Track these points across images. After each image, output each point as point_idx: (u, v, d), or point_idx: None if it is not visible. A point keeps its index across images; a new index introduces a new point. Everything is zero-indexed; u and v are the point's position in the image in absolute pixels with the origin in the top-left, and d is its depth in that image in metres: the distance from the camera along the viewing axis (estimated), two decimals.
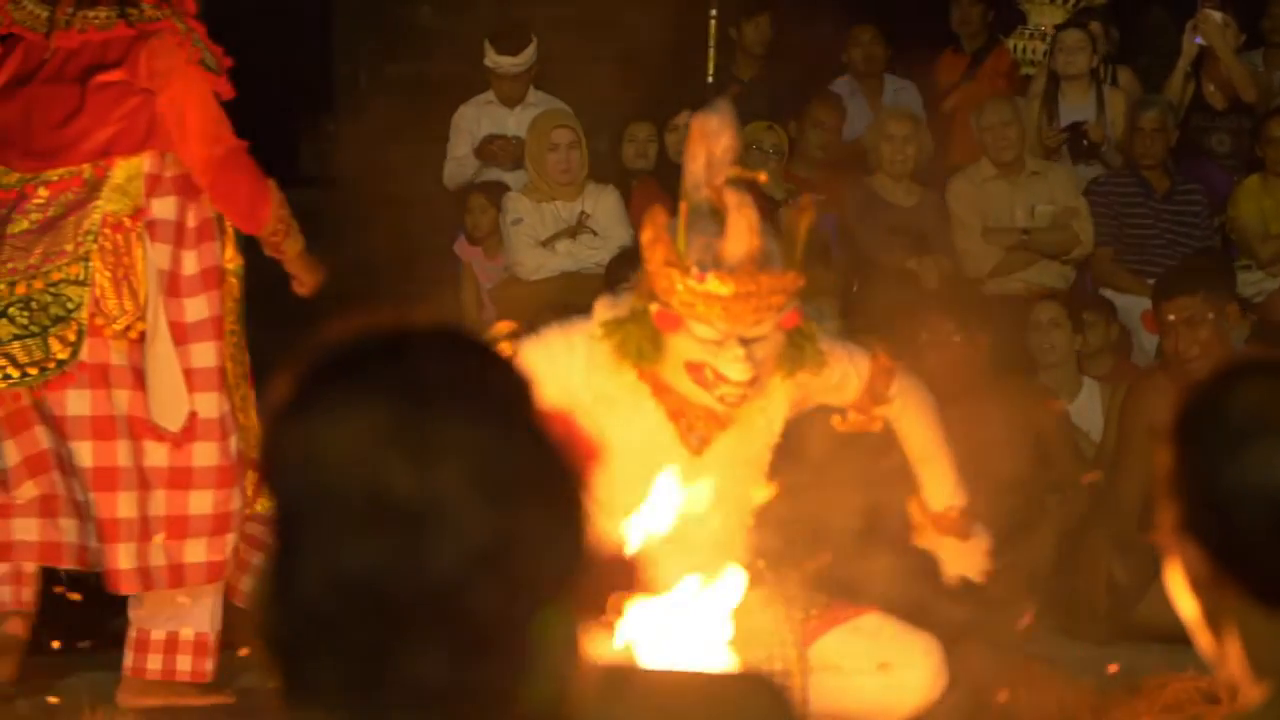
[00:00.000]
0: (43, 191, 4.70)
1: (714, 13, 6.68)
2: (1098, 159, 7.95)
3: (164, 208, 4.70)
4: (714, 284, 3.74)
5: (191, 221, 4.73)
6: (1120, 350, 7.18)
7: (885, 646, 4.04)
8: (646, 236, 3.84)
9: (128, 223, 4.66)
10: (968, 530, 4.30)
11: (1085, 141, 7.92)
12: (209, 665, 4.81)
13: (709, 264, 3.76)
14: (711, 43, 7.63)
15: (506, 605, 1.38)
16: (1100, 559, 5.78)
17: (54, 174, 4.69)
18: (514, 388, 1.46)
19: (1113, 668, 5.06)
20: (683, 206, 3.82)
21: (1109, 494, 5.90)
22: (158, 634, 4.79)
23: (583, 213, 7.43)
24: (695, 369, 3.82)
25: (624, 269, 5.55)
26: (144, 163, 4.68)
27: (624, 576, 1.46)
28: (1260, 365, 1.80)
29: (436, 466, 1.38)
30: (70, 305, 4.65)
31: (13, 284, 4.67)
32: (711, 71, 8.22)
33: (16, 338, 4.65)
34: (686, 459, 3.94)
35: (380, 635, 1.37)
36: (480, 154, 7.85)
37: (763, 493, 4.06)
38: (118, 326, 4.65)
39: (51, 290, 4.66)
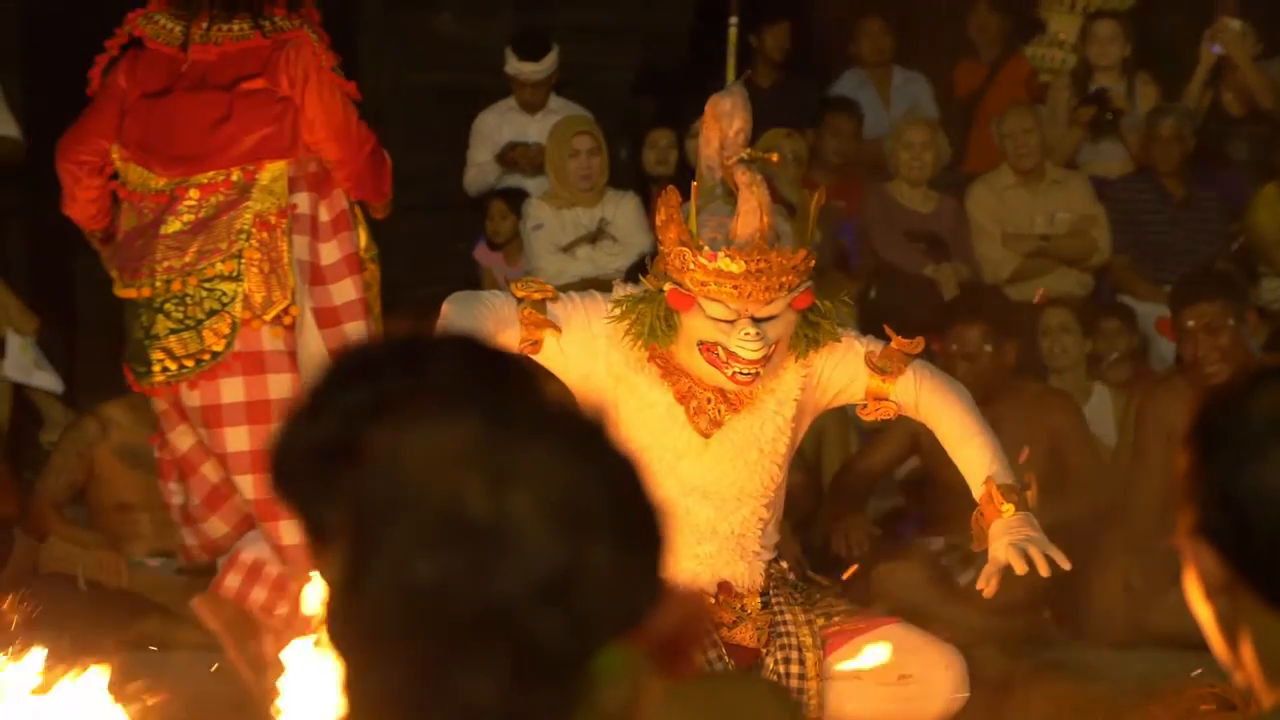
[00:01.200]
0: (193, 194, 4.90)
1: (734, 20, 6.70)
2: (1118, 135, 7.97)
3: (301, 203, 4.94)
4: (725, 262, 3.77)
5: (325, 215, 4.96)
6: (1138, 357, 7.20)
7: (907, 658, 4.00)
8: (660, 217, 3.87)
9: (274, 220, 4.87)
10: (1011, 502, 3.86)
11: (1108, 116, 7.94)
12: (281, 609, 4.89)
13: (720, 242, 3.79)
14: (732, 50, 7.65)
15: (567, 637, 1.38)
16: (1116, 563, 5.79)
17: (203, 178, 4.89)
18: (594, 421, 1.47)
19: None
20: (695, 187, 3.86)
21: (1125, 498, 5.91)
22: (246, 556, 4.95)
23: (603, 219, 7.47)
24: (708, 348, 3.85)
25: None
26: (287, 165, 4.92)
27: (697, 630, 1.46)
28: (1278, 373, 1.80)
29: (512, 491, 1.40)
30: (224, 299, 4.86)
31: (169, 281, 4.87)
32: (731, 79, 8.24)
33: (173, 332, 4.86)
34: (696, 441, 3.96)
35: (439, 649, 1.38)
36: (501, 160, 7.89)
37: (775, 485, 4.03)
38: (268, 316, 4.84)
39: (206, 286, 4.85)
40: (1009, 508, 3.81)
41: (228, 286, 4.84)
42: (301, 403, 1.76)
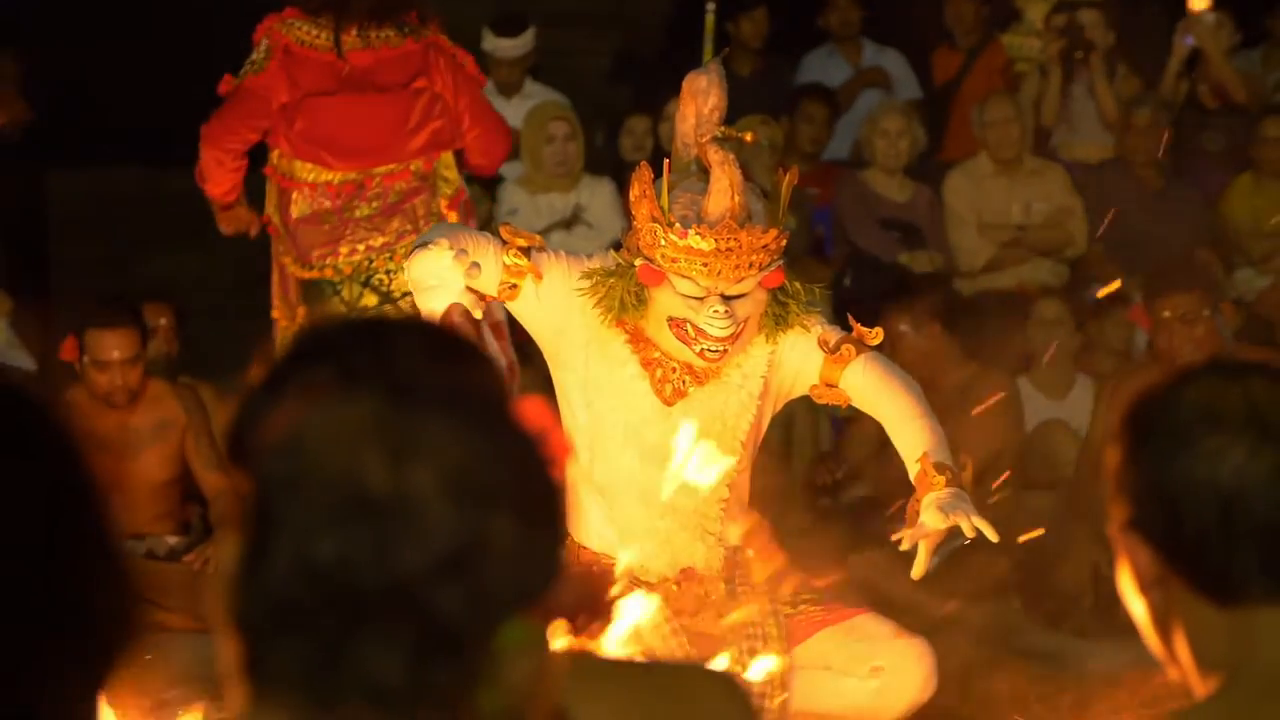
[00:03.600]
0: (378, 183, 5.47)
1: (711, 6, 6.68)
2: (1086, 63, 8.00)
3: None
4: (695, 239, 3.78)
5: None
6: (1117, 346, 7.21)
7: (878, 649, 3.99)
8: (634, 193, 3.87)
9: (444, 204, 5.51)
10: (943, 476, 3.81)
11: (1079, 54, 7.96)
12: None
13: (691, 220, 3.80)
14: (709, 36, 7.65)
15: (470, 611, 1.38)
16: (1085, 551, 5.81)
17: (382, 169, 5.47)
18: (498, 396, 1.47)
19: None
20: (667, 163, 3.86)
21: (1093, 487, 5.92)
22: None
23: (578, 205, 7.46)
24: (677, 324, 3.86)
25: None
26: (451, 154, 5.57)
27: (596, 599, 1.46)
28: (1210, 367, 1.81)
29: (412, 465, 1.39)
30: None
31: (371, 259, 5.39)
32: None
33: (380, 304, 5.39)
34: (659, 408, 3.96)
35: (341, 627, 1.37)
36: None
37: (737, 463, 4.00)
38: None
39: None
40: (940, 480, 3.77)
41: None
42: (264, 374, 1.76)
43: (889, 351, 5.95)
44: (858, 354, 3.95)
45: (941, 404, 5.94)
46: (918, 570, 3.75)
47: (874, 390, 3.95)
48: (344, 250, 5.43)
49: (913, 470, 3.84)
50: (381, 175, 5.46)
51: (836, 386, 3.95)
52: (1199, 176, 7.91)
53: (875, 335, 3.99)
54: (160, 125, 7.78)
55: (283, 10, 5.51)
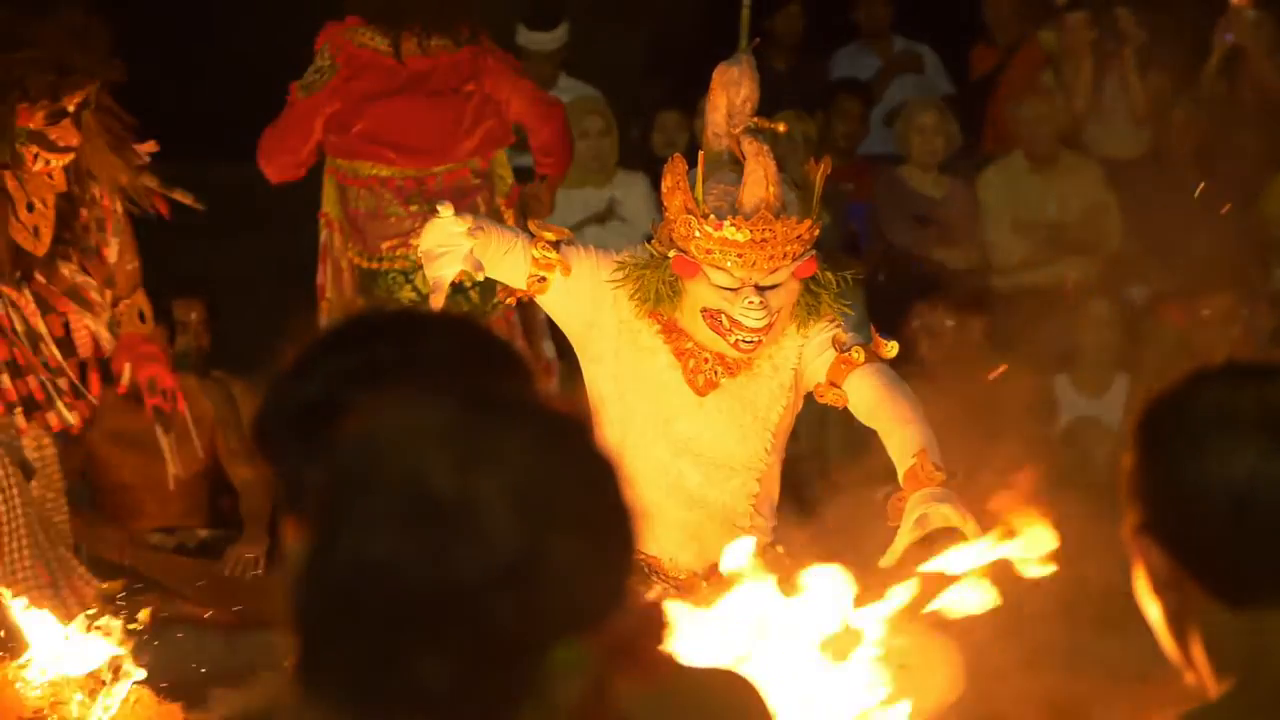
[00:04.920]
0: (439, 180, 5.83)
1: (747, 1, 6.68)
2: (1118, 56, 7.97)
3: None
4: (730, 231, 3.78)
5: None
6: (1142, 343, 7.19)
7: (905, 648, 4.02)
8: (666, 184, 3.87)
9: (502, 202, 5.93)
10: (942, 473, 3.71)
11: (1112, 43, 7.95)
12: None
13: (726, 211, 3.80)
14: (744, 31, 7.63)
15: (523, 625, 1.38)
16: (1116, 551, 5.77)
17: (441, 168, 5.86)
18: (576, 419, 1.46)
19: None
20: (701, 155, 3.87)
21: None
22: None
23: (612, 199, 7.47)
24: (711, 315, 3.86)
25: None
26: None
27: (658, 634, 1.44)
28: (1225, 369, 1.81)
29: (479, 473, 1.39)
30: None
31: None
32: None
33: (453, 295, 5.56)
34: (691, 399, 3.96)
35: (394, 629, 1.37)
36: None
37: (768, 457, 4.01)
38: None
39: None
40: (939, 476, 3.65)
41: None
42: (292, 362, 1.76)
43: (928, 345, 5.98)
44: (866, 360, 3.90)
45: (975, 399, 5.97)
46: (888, 559, 3.65)
47: (875, 396, 3.85)
48: (415, 242, 5.63)
49: (905, 466, 3.71)
50: (442, 173, 5.84)
51: (839, 387, 3.91)
52: (1236, 175, 7.87)
53: (891, 348, 3.94)
54: (199, 117, 7.81)
55: (343, 18, 5.88)
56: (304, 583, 1.42)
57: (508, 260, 3.92)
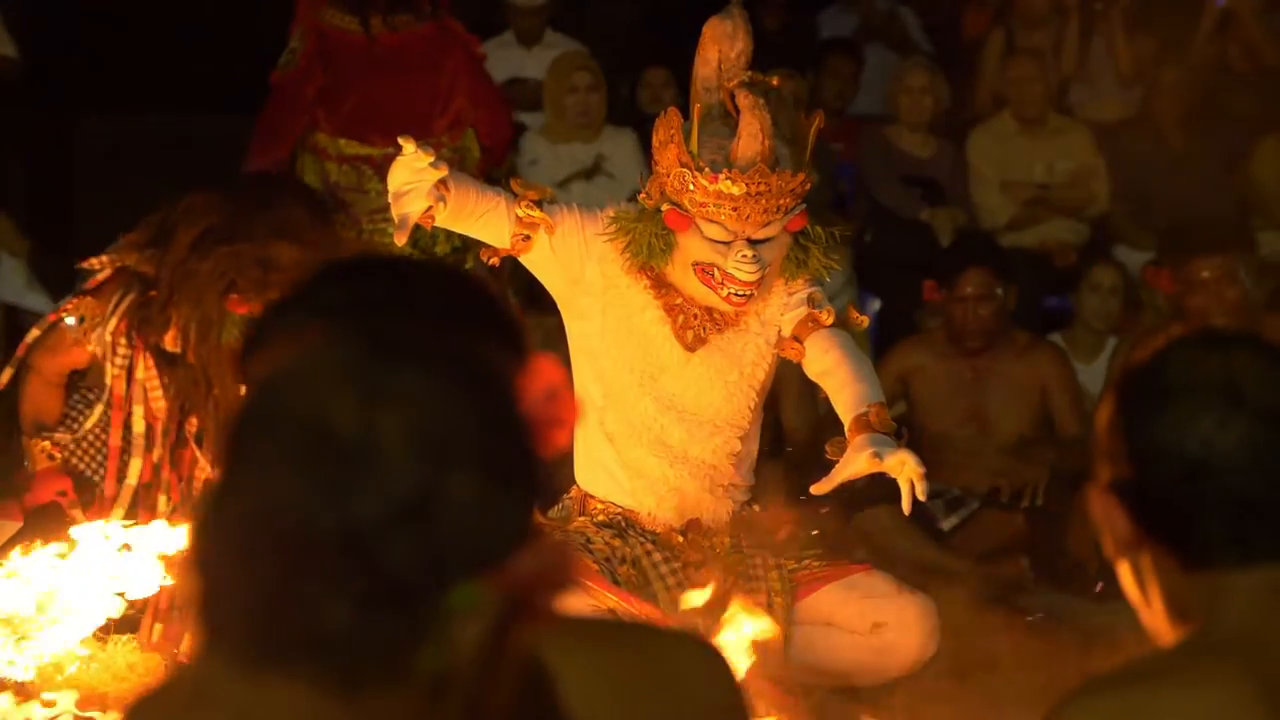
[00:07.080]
0: None
1: None
2: (1105, 16, 7.96)
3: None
4: (725, 184, 3.78)
5: None
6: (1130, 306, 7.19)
7: (880, 606, 3.98)
8: (659, 137, 3.87)
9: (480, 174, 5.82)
10: (892, 427, 3.69)
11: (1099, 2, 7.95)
12: None
13: (721, 164, 3.80)
14: None
15: (421, 566, 1.36)
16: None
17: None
18: (492, 354, 1.45)
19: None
20: (695, 108, 3.86)
21: None
22: None
23: (599, 155, 7.44)
24: (703, 269, 3.86)
25: None
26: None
27: (561, 574, 1.42)
28: (1198, 334, 1.80)
29: (380, 412, 1.37)
30: (456, 243, 5.79)
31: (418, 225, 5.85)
32: None
33: None
34: (679, 355, 3.97)
35: (291, 571, 1.36)
36: None
37: (750, 415, 4.02)
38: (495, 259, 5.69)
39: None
40: (893, 427, 3.63)
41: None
42: (276, 300, 1.75)
43: (958, 311, 5.98)
44: (834, 324, 3.91)
45: (999, 364, 5.98)
46: (821, 487, 3.61)
47: (835, 356, 3.84)
48: (382, 221, 5.76)
49: (857, 413, 3.67)
50: None
51: (801, 343, 3.91)
52: (1225, 138, 7.86)
53: (860, 322, 3.99)
54: (188, 70, 7.78)
55: None
56: (205, 527, 1.40)
57: (489, 219, 3.91)
